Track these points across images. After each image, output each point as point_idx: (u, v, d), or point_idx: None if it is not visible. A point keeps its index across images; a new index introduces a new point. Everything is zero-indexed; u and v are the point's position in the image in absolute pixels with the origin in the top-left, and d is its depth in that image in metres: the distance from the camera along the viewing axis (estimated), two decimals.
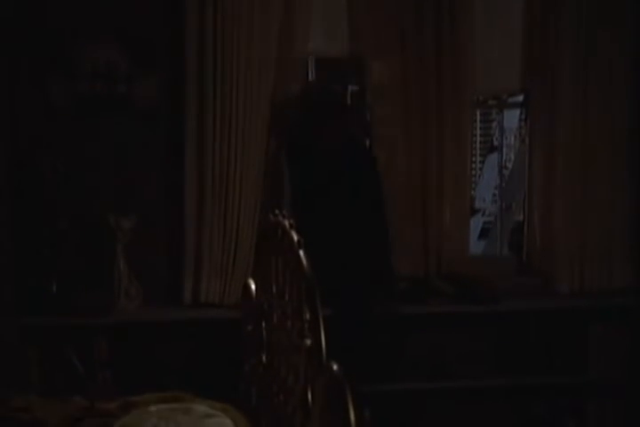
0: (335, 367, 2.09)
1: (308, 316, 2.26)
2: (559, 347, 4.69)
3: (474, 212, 6.99)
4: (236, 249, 4.52)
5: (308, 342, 2.25)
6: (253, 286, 3.14)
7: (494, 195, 7.23)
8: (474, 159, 6.65)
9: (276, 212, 2.69)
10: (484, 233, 7.43)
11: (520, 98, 5.05)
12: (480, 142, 7.69)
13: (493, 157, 7.52)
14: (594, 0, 4.76)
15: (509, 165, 6.96)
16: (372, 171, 4.32)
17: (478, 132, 7.34)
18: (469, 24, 4.71)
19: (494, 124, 7.41)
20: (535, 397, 4.70)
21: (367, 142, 4.46)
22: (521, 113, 5.15)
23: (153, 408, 2.76)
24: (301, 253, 2.38)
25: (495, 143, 7.40)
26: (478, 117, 6.88)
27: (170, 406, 2.78)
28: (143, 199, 4.52)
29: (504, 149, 6.01)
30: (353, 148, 4.27)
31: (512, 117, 5.83)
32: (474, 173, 7.16)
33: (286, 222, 2.57)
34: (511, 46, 4.85)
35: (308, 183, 4.18)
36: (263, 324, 2.92)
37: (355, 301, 4.13)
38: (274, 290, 2.73)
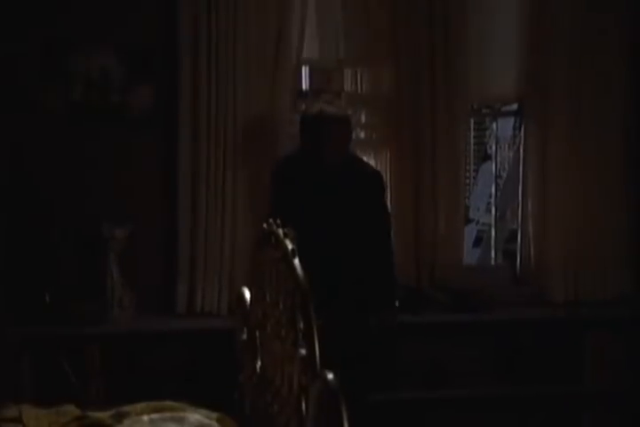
0: (329, 377, 2.08)
1: (301, 325, 2.25)
2: (554, 356, 4.68)
3: (468, 221, 6.98)
4: (230, 258, 4.52)
5: (302, 351, 2.24)
6: (248, 295, 3.13)
7: (488, 204, 7.22)
8: (467, 168, 6.64)
9: (270, 221, 2.68)
10: (478, 242, 7.42)
11: (514, 106, 5.05)
12: (474, 151, 7.69)
13: (487, 165, 7.52)
14: (589, 9, 4.77)
15: (503, 174, 6.96)
16: (377, 187, 4.26)
17: (472, 140, 7.34)
18: (463, 32, 4.71)
19: (488, 132, 7.41)
20: (531, 406, 4.69)
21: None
22: (515, 122, 5.15)
23: (146, 418, 2.75)
24: (295, 262, 2.37)
25: (489, 152, 7.40)
26: (472, 126, 6.88)
27: (163, 416, 2.78)
28: (137, 208, 4.51)
29: (498, 158, 6.00)
30: (355, 163, 4.23)
31: (506, 126, 5.83)
32: (468, 181, 7.15)
33: (280, 231, 2.56)
34: (505, 55, 4.86)
35: (311, 197, 4.14)
36: (257, 333, 2.91)
37: (355, 311, 4.10)
38: (268, 299, 2.72)
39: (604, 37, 4.78)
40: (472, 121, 5.97)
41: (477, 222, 7.69)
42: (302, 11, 4.57)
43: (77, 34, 4.44)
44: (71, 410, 2.92)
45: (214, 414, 2.85)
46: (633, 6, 4.82)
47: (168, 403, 2.93)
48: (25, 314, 4.20)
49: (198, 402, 2.98)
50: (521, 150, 5.02)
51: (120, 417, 2.80)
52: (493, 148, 5.91)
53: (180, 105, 4.49)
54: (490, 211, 6.41)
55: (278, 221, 2.65)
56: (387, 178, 4.65)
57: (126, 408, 2.88)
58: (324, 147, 4.04)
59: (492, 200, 5.96)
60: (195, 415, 2.79)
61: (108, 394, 4.07)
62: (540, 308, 4.79)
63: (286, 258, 2.43)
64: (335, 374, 2.09)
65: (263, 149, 4.56)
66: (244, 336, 3.07)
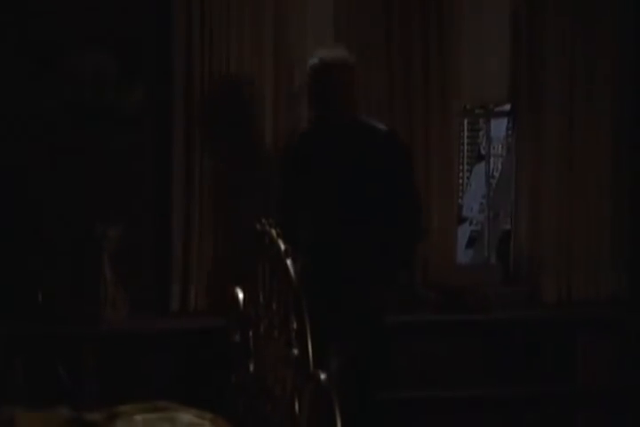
0: (322, 377, 2.08)
1: (295, 326, 2.26)
2: (547, 356, 4.69)
3: (461, 221, 6.99)
4: (223, 257, 4.51)
5: (295, 351, 2.24)
6: (241, 296, 3.13)
7: (482, 204, 7.23)
8: (461, 168, 6.65)
9: (263, 221, 2.68)
10: (471, 243, 7.42)
11: (507, 107, 5.06)
12: (467, 151, 7.70)
13: (481, 166, 7.52)
14: (581, 11, 4.78)
15: (497, 175, 6.96)
16: (391, 150, 3.84)
17: (465, 141, 7.34)
18: (457, 32, 4.72)
19: (481, 133, 7.42)
20: (523, 406, 4.70)
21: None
22: (508, 122, 5.16)
23: (139, 418, 2.75)
24: (289, 262, 2.37)
25: (482, 152, 7.40)
26: (465, 126, 6.88)
27: (155, 416, 2.77)
28: (130, 208, 4.50)
29: (491, 158, 6.01)
30: (366, 127, 3.88)
31: (499, 126, 5.83)
32: (461, 181, 7.16)
33: (273, 231, 2.56)
34: (498, 55, 4.87)
35: (321, 174, 3.83)
36: (250, 333, 2.91)
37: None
38: (261, 299, 2.72)
39: (597, 39, 4.80)
40: (465, 121, 5.99)
41: (471, 222, 7.70)
42: (299, 9, 4.58)
43: (69, 33, 4.43)
44: (64, 411, 2.92)
45: (207, 415, 2.85)
46: (625, 10, 4.84)
47: (161, 403, 2.93)
48: (17, 314, 4.19)
49: (191, 402, 2.98)
50: (513, 150, 5.03)
51: (113, 418, 2.80)
52: (487, 148, 5.91)
53: (174, 105, 4.49)
54: (483, 211, 6.42)
55: (271, 221, 2.65)
56: None
57: (119, 409, 2.88)
58: (327, 95, 3.81)
59: (486, 200, 5.96)
60: (187, 416, 2.79)
61: (101, 395, 4.06)
62: (532, 307, 4.80)
63: (279, 258, 2.43)
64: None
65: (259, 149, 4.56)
66: (238, 337, 3.08)
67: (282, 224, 3.90)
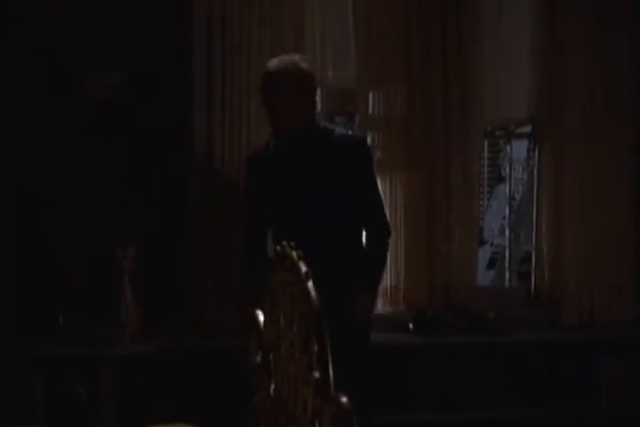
0: (343, 399, 2.07)
1: (315, 348, 2.24)
2: (569, 379, 4.65)
3: (482, 242, 6.96)
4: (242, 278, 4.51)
5: (316, 374, 2.23)
6: (261, 317, 3.12)
7: (502, 226, 7.21)
8: (482, 190, 6.64)
9: (284, 243, 2.68)
10: (492, 264, 7.40)
11: (528, 128, 5.05)
12: (488, 173, 7.68)
13: (501, 187, 7.50)
14: (602, 30, 4.77)
15: (517, 196, 6.94)
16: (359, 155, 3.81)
17: (486, 162, 7.33)
18: (477, 54, 4.73)
19: (502, 154, 7.40)
20: None
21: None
22: (529, 143, 5.15)
23: None
24: (309, 284, 2.37)
25: (503, 174, 7.39)
26: (486, 148, 6.88)
27: None
28: (147, 228, 4.51)
29: (512, 180, 6.00)
30: (329, 134, 3.80)
31: (520, 148, 5.83)
32: (482, 203, 7.14)
33: (294, 254, 2.55)
34: (519, 76, 4.87)
35: (283, 177, 3.78)
36: (271, 355, 2.90)
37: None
38: (282, 321, 2.71)
39: (617, 57, 4.78)
40: (486, 143, 5.98)
41: (491, 244, 7.67)
42: (318, 32, 4.60)
43: (86, 52, 4.46)
44: None
45: None
46: None
47: (180, 425, 2.92)
48: (38, 336, 4.20)
49: (211, 424, 2.97)
50: (535, 172, 5.02)
51: None
52: (507, 169, 5.91)
53: (195, 123, 4.51)
54: (504, 233, 6.40)
55: (292, 244, 2.64)
56: (401, 199, 4.67)
57: None
58: (274, 104, 3.76)
59: (506, 222, 5.95)
60: None
61: (119, 416, 4.06)
62: (554, 330, 4.77)
63: (300, 281, 2.42)
64: (349, 397, 2.08)
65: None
66: (258, 358, 3.06)
67: (249, 243, 3.94)
